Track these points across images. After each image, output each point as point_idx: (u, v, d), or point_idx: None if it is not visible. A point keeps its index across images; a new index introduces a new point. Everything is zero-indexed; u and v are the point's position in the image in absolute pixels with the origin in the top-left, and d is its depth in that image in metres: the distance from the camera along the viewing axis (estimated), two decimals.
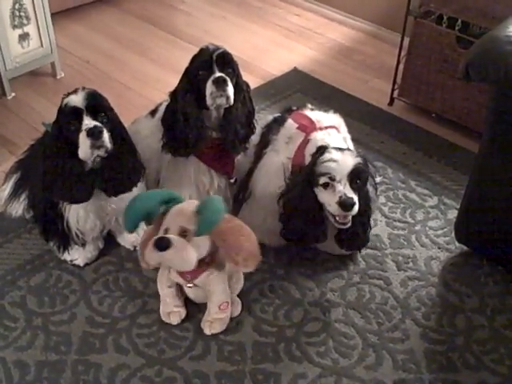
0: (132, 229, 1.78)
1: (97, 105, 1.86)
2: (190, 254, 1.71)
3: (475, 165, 2.06)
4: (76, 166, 1.88)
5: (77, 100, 1.84)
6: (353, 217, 1.94)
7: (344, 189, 1.88)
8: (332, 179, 1.89)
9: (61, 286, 2.05)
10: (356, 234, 2.03)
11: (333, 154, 1.91)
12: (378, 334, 1.94)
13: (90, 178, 1.91)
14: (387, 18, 3.50)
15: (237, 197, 2.28)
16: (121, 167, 1.94)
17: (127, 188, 1.98)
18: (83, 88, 1.88)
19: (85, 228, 2.05)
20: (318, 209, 1.96)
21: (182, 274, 1.84)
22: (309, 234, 2.01)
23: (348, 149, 2.01)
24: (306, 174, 1.96)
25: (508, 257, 2.09)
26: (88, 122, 1.83)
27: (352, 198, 1.87)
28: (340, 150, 1.94)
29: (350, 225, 1.93)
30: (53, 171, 1.89)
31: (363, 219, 2.02)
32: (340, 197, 1.86)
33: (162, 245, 1.68)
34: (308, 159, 2.01)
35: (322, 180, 1.90)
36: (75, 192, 1.89)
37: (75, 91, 1.87)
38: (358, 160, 1.91)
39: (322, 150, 1.95)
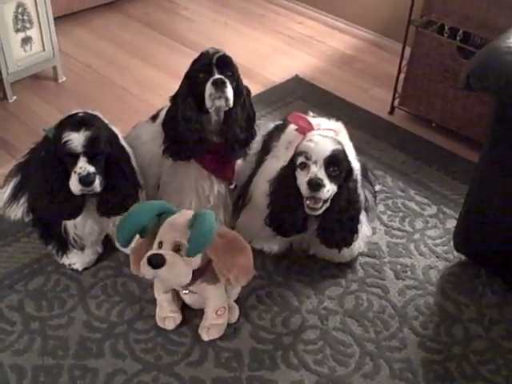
0: (125, 244, 1.76)
1: (96, 150, 1.85)
2: (183, 270, 1.71)
3: (475, 174, 2.06)
4: (65, 188, 1.88)
5: (77, 142, 1.82)
6: (329, 212, 1.94)
7: (317, 171, 1.88)
8: (308, 159, 1.89)
9: (59, 290, 2.05)
10: (331, 231, 1.99)
11: (314, 137, 1.93)
12: (376, 342, 1.94)
13: (80, 198, 1.92)
14: (389, 27, 3.51)
15: (236, 203, 2.28)
16: (115, 194, 1.95)
17: (120, 212, 1.98)
18: (83, 121, 1.85)
19: (83, 233, 2.05)
20: (298, 194, 1.94)
21: None
22: (288, 221, 1.98)
23: (333, 137, 1.99)
24: (290, 159, 1.97)
25: (506, 267, 2.09)
26: (82, 166, 1.83)
27: (321, 179, 1.86)
28: (324, 136, 1.95)
29: (320, 212, 1.92)
30: (42, 188, 1.90)
31: (342, 216, 1.98)
32: (310, 176, 1.87)
33: (156, 262, 1.67)
34: None
35: (300, 160, 1.91)
36: (63, 211, 1.93)
37: (77, 124, 1.84)
38: (339, 147, 1.92)
39: None
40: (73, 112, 2.14)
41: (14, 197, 2.22)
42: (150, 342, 1.90)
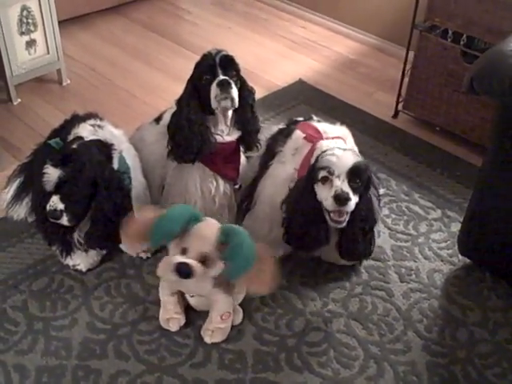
0: (157, 246, 1.89)
1: (66, 192, 1.86)
2: (208, 284, 1.73)
3: (479, 178, 2.06)
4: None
5: (50, 179, 1.84)
6: (352, 222, 1.94)
7: (341, 184, 1.88)
8: (331, 173, 1.89)
9: (63, 291, 2.05)
10: (356, 241, 2.00)
11: (335, 151, 1.92)
12: (380, 345, 1.94)
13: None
14: (392, 31, 3.52)
15: (241, 205, 2.28)
16: (98, 229, 1.97)
17: (103, 247, 2.06)
18: (68, 157, 1.85)
19: None
20: (318, 208, 1.95)
21: None
22: (311, 236, 1.99)
23: (352, 149, 2.00)
24: (308, 173, 1.96)
25: (511, 270, 2.09)
26: (54, 200, 1.87)
27: (347, 193, 1.86)
28: (343, 150, 1.95)
29: (344, 224, 1.92)
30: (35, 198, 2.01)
31: (364, 225, 2.00)
32: (336, 191, 1.86)
33: (185, 272, 1.68)
34: None
35: (321, 174, 1.90)
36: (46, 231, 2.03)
37: (60, 158, 1.84)
38: (360, 159, 1.93)
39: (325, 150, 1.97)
40: (78, 114, 2.19)
41: (18, 197, 2.22)
42: (154, 344, 1.90)
